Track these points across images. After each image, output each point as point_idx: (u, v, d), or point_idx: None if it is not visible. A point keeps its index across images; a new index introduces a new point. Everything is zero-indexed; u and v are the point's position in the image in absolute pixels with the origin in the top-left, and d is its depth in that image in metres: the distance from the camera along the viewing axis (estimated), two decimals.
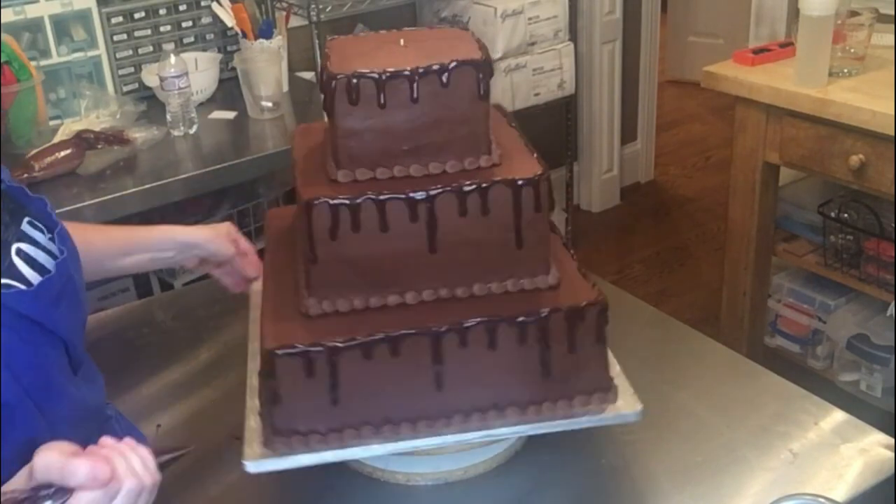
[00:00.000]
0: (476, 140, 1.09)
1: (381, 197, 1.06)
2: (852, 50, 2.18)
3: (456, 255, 1.09)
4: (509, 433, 1.10)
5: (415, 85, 1.06)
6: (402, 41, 1.16)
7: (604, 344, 1.08)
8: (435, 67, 1.05)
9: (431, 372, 1.05)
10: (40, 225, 0.99)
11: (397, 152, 1.09)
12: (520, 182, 1.07)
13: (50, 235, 0.99)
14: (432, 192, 1.06)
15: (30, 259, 0.93)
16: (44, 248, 0.96)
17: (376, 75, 1.05)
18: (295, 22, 2.79)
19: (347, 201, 1.05)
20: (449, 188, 1.06)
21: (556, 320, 1.06)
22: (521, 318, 1.05)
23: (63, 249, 0.98)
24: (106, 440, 0.85)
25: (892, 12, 2.38)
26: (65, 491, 0.78)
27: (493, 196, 1.07)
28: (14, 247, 0.92)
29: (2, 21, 2.23)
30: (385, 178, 1.09)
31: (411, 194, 1.06)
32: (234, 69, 2.56)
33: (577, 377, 1.09)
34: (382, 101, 1.06)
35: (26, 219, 0.97)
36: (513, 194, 1.07)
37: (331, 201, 1.05)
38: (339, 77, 1.05)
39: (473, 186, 1.06)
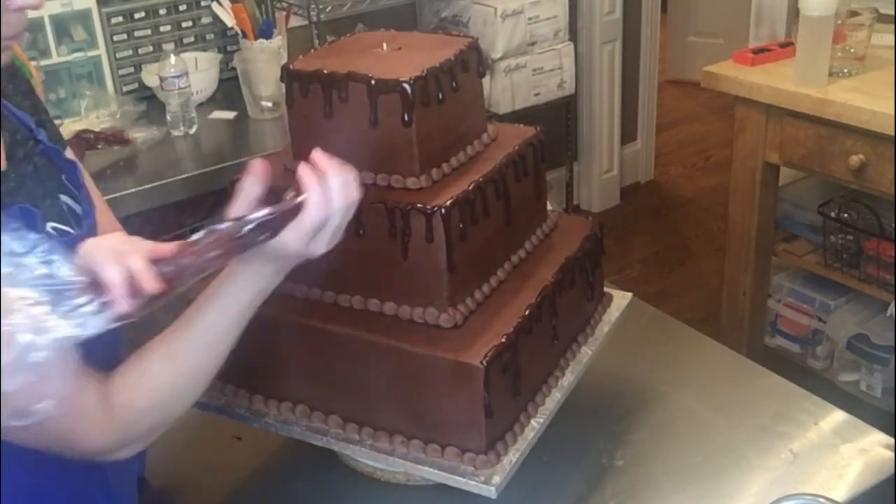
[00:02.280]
0: (404, 160, 1.08)
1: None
2: (852, 50, 2.18)
3: (365, 267, 1.10)
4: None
5: (344, 93, 1.08)
6: (385, 46, 1.17)
7: (479, 402, 1.03)
8: (373, 82, 1.06)
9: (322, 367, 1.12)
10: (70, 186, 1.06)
11: (339, 155, 1.10)
12: (411, 211, 1.05)
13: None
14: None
15: (70, 209, 1.03)
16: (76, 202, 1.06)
17: (322, 76, 1.09)
18: (295, 22, 2.79)
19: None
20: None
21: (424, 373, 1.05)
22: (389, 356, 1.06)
23: (87, 209, 1.06)
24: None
25: (892, 12, 2.37)
26: (266, 223, 0.86)
27: (393, 219, 1.06)
28: (61, 196, 1.02)
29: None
30: None
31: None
32: (234, 69, 2.56)
33: (450, 425, 1.06)
34: (325, 102, 1.09)
35: (63, 175, 1.06)
36: (407, 221, 1.05)
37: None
38: (292, 72, 1.11)
39: (375, 204, 1.06)
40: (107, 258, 0.83)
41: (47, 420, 0.85)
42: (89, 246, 0.90)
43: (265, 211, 0.87)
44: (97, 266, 0.82)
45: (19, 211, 0.93)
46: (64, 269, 0.79)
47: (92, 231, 1.04)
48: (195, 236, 0.85)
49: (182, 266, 0.83)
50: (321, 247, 0.93)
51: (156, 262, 0.83)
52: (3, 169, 0.97)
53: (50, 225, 0.98)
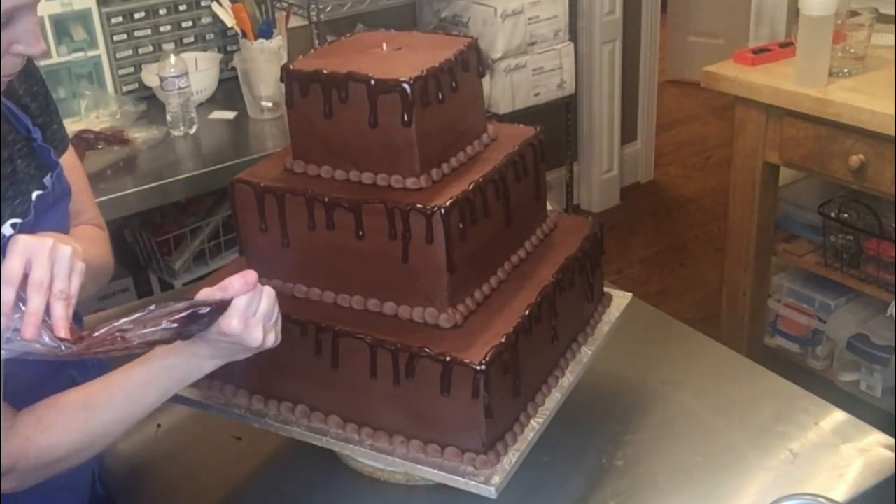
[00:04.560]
0: (404, 160, 1.08)
1: (280, 192, 1.11)
2: (852, 50, 2.18)
3: (365, 267, 1.10)
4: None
5: (344, 93, 1.08)
6: (385, 46, 1.17)
7: (479, 402, 1.03)
8: (372, 83, 1.06)
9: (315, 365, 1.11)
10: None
11: (340, 155, 1.11)
12: (411, 212, 1.05)
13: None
14: (335, 199, 1.08)
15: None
16: None
17: (322, 76, 1.09)
18: (295, 22, 2.79)
19: (251, 188, 1.13)
20: (348, 201, 1.07)
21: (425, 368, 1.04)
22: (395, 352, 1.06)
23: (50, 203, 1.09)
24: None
25: (892, 12, 2.37)
26: (220, 306, 0.92)
27: (393, 219, 1.06)
28: (34, 194, 1.06)
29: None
30: (327, 178, 1.13)
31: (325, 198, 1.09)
32: (234, 69, 2.56)
33: (450, 425, 1.06)
34: (325, 102, 1.09)
35: (49, 175, 1.10)
36: (407, 222, 1.05)
37: (246, 185, 1.13)
38: (292, 72, 1.11)
39: (375, 204, 1.06)
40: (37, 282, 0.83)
41: None
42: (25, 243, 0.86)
43: (206, 305, 0.92)
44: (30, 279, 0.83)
45: None
46: None
47: (52, 224, 1.06)
48: (150, 306, 0.89)
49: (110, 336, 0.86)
50: (257, 335, 0.95)
51: (86, 334, 0.85)
52: None
53: (11, 222, 1.01)
